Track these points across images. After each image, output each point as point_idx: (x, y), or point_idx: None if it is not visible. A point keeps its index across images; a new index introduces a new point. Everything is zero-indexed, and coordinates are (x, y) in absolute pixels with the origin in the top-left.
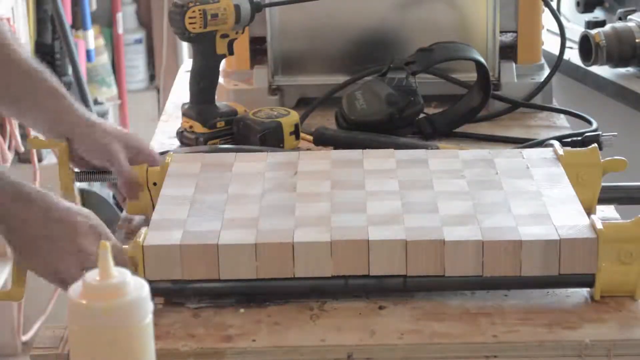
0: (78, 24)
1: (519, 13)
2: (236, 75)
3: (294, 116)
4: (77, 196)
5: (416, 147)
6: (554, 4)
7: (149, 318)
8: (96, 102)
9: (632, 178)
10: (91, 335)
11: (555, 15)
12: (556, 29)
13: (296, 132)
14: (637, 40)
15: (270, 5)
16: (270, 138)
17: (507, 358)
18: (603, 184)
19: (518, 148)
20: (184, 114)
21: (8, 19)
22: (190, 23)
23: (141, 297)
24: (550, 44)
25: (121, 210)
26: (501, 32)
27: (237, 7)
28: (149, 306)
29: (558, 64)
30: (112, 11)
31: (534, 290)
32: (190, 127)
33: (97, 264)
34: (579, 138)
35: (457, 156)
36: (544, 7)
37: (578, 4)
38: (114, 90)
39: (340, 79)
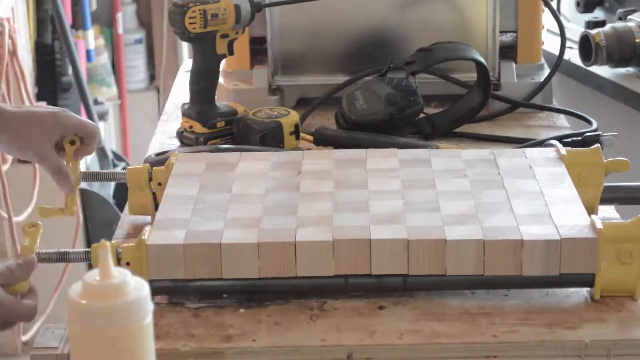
0: (78, 24)
1: (519, 13)
2: (236, 75)
3: (294, 116)
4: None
5: (416, 147)
6: (554, 4)
7: (149, 318)
8: (96, 102)
9: (632, 178)
10: (91, 335)
11: (555, 15)
12: (556, 29)
13: (296, 132)
14: (637, 40)
15: (270, 5)
16: (270, 138)
17: (507, 358)
18: (603, 184)
19: (518, 148)
20: (184, 114)
21: (8, 19)
22: (190, 23)
23: (141, 297)
24: (550, 44)
25: (121, 210)
26: (501, 32)
27: (237, 7)
28: (149, 306)
29: (558, 64)
30: (112, 11)
31: (534, 290)
32: (190, 127)
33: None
34: (579, 138)
35: (460, 156)
36: (544, 7)
37: (578, 4)
38: (114, 90)
39: (340, 79)
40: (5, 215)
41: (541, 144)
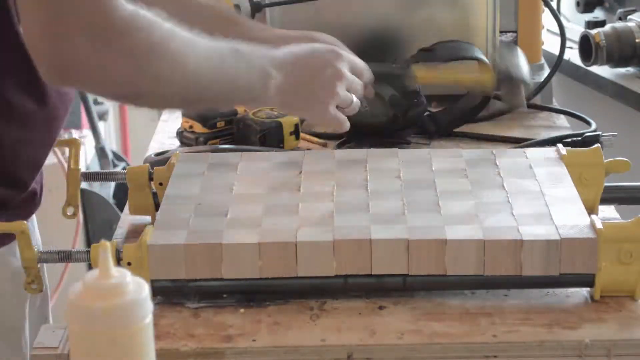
0: None
1: (519, 13)
2: None
3: (294, 116)
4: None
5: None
6: (554, 4)
7: (149, 318)
8: (96, 102)
9: (633, 178)
10: (91, 335)
11: (555, 15)
12: (556, 29)
13: (296, 132)
14: (637, 40)
15: (270, 5)
16: (270, 138)
17: (507, 358)
18: (604, 184)
19: (518, 148)
20: (183, 114)
21: None
22: None
23: (141, 297)
24: (550, 44)
25: (121, 210)
26: (501, 32)
27: (237, 7)
28: (149, 306)
29: (558, 64)
30: None
31: (534, 290)
32: (190, 127)
33: None
34: (579, 138)
35: (460, 155)
36: (544, 7)
37: (578, 4)
38: None
39: None
40: None
41: (541, 144)
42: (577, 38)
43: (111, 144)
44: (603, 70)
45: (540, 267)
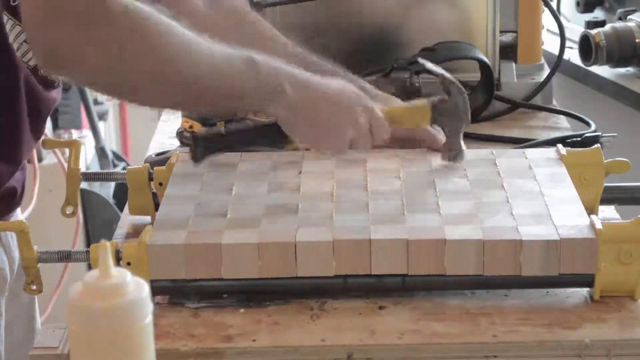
0: None
1: (519, 13)
2: None
3: None
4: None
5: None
6: (554, 4)
7: (149, 318)
8: (96, 102)
9: (633, 178)
10: (91, 335)
11: (555, 15)
12: (556, 29)
13: None
14: (637, 40)
15: (270, 5)
16: (270, 138)
17: (507, 358)
18: (604, 184)
19: (518, 148)
20: (183, 114)
21: None
22: None
23: (141, 297)
24: (550, 44)
25: (121, 210)
26: (501, 32)
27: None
28: (149, 306)
29: (558, 64)
30: None
31: (534, 290)
32: (190, 127)
33: None
34: (579, 139)
35: None
36: (544, 7)
37: (578, 4)
38: None
39: None
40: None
41: (541, 145)
42: (577, 38)
43: (111, 144)
44: (603, 70)
45: (539, 268)
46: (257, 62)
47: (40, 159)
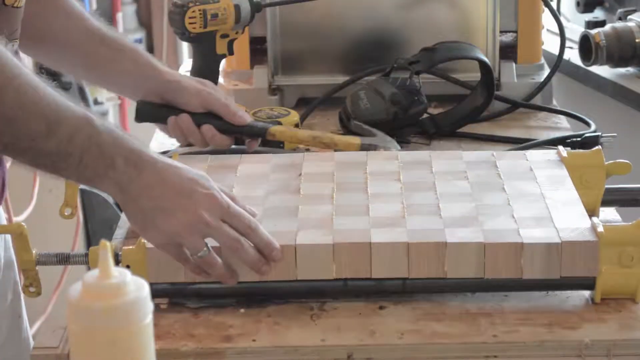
0: None
1: (519, 13)
2: (236, 75)
3: (294, 116)
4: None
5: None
6: (554, 4)
7: (149, 318)
8: (96, 102)
9: (633, 178)
10: (91, 335)
11: (555, 15)
12: (556, 29)
13: None
14: (637, 40)
15: (270, 5)
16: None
17: (507, 358)
18: (605, 186)
19: (518, 149)
20: None
21: None
22: (190, 23)
23: (141, 297)
24: (550, 44)
25: (121, 210)
26: (501, 32)
27: (237, 7)
28: (149, 306)
29: (558, 64)
30: (112, 11)
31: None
32: None
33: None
34: (579, 139)
35: (461, 158)
36: (544, 7)
37: (578, 4)
38: None
39: (340, 79)
40: (6, 215)
41: (541, 145)
42: (577, 38)
43: None
44: (603, 70)
45: (540, 271)
46: (94, 125)
47: None
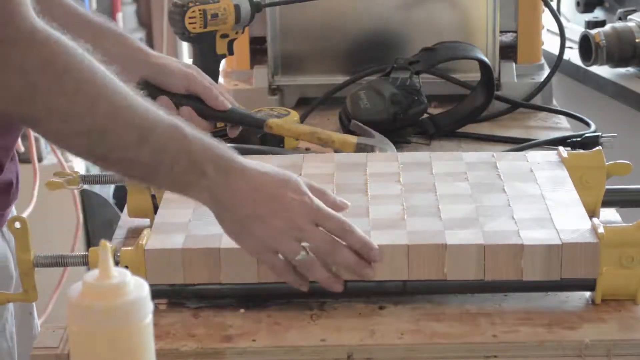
0: None
1: (519, 13)
2: (236, 75)
3: (294, 116)
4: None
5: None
6: (554, 4)
7: (149, 318)
8: None
9: (633, 179)
10: (91, 335)
11: (555, 15)
12: (556, 29)
13: None
14: (637, 40)
15: (270, 5)
16: (270, 138)
17: (507, 358)
18: (605, 187)
19: (518, 149)
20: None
21: None
22: (190, 23)
23: (141, 297)
24: (550, 44)
25: (121, 210)
26: (501, 32)
27: (237, 7)
28: (149, 306)
29: (558, 64)
30: (112, 11)
31: None
32: None
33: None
34: (579, 139)
35: (461, 159)
36: (544, 7)
37: (578, 4)
38: None
39: (340, 79)
40: None
41: (541, 145)
42: (577, 38)
43: None
44: (603, 70)
45: (541, 272)
46: (182, 132)
47: (40, 159)
